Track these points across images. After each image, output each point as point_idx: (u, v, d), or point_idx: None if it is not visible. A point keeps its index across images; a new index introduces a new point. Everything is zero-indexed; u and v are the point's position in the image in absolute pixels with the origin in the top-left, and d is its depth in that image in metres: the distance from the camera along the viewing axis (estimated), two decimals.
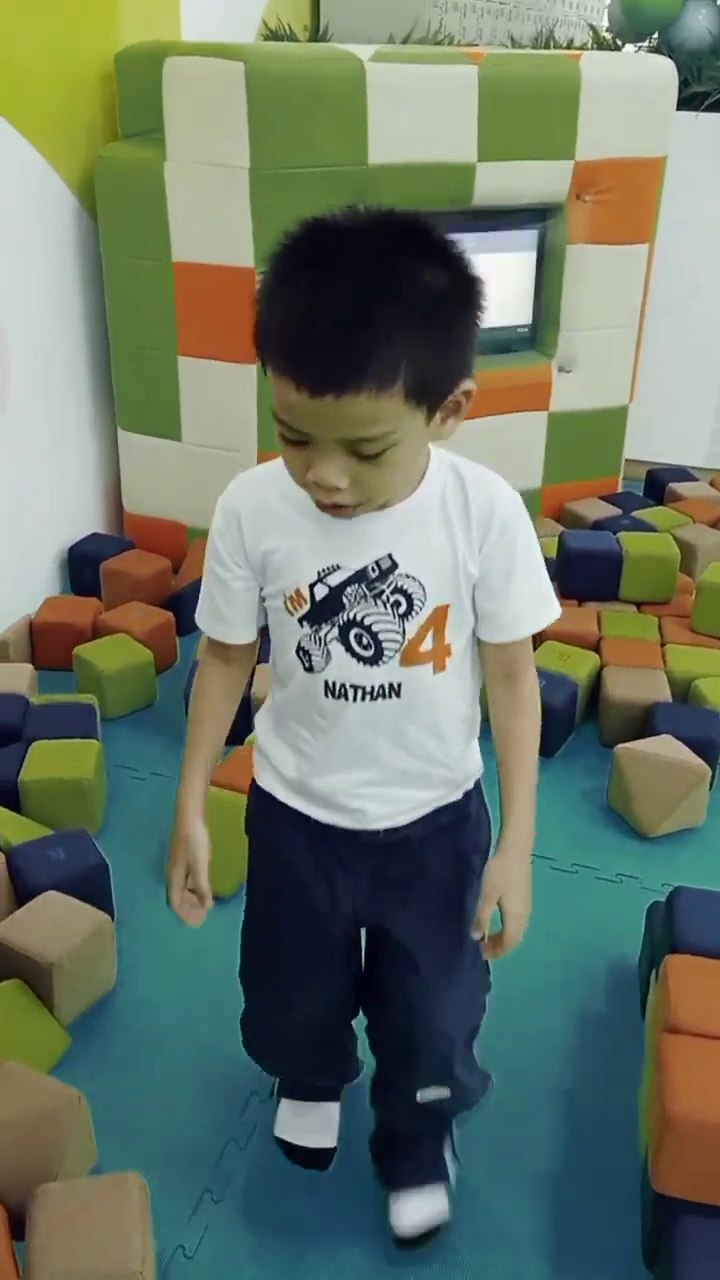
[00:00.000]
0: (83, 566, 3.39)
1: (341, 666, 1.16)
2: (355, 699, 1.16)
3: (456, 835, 1.30)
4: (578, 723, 2.69)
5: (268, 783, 1.31)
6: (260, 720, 1.33)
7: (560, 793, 2.49)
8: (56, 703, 2.53)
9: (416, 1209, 1.46)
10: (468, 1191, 1.53)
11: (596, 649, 2.80)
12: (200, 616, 1.26)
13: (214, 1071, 1.72)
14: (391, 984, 1.37)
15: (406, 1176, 1.48)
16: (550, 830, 2.36)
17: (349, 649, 1.15)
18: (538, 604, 1.18)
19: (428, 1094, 1.39)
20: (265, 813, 1.33)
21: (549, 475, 3.69)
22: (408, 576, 1.12)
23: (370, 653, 1.14)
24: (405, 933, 1.31)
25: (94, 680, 2.72)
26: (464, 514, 1.12)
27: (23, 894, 1.93)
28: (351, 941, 1.39)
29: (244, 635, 1.25)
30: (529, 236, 3.43)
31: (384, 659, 1.15)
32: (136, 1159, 1.53)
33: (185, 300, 3.11)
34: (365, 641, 1.14)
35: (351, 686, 1.16)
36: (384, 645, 1.14)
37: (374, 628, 1.13)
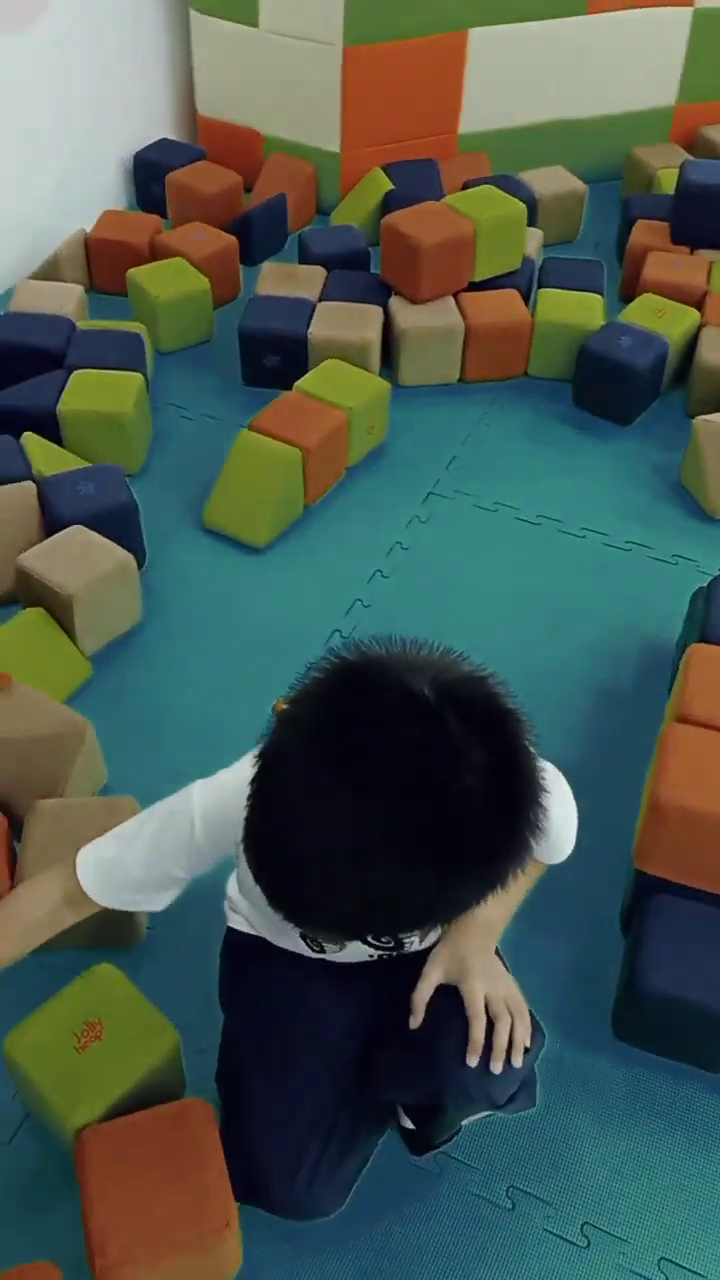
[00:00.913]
0: (149, 178, 3.11)
1: (355, 954, 1.10)
2: (361, 970, 1.13)
3: None
4: (663, 389, 2.45)
5: (240, 925, 1.22)
6: (231, 884, 1.22)
7: (629, 465, 2.31)
8: (104, 330, 2.39)
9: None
10: None
11: (699, 305, 2.49)
12: (99, 887, 1.04)
13: (227, 710, 1.76)
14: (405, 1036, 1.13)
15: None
16: (611, 504, 2.22)
17: (368, 944, 1.07)
18: (567, 834, 1.13)
19: (474, 1116, 1.20)
20: (240, 946, 1.21)
21: (686, 90, 3.17)
22: None
23: (390, 945, 1.08)
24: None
25: (147, 308, 2.55)
26: None
27: (51, 525, 1.91)
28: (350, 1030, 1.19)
29: (128, 907, 1.09)
30: None
31: (403, 950, 1.09)
32: (144, 784, 1.59)
33: None
34: (386, 941, 1.06)
35: (362, 964, 1.12)
36: (405, 943, 1.08)
37: (399, 938, 1.06)
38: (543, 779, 0.81)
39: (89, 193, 2.98)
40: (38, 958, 1.42)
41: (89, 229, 2.81)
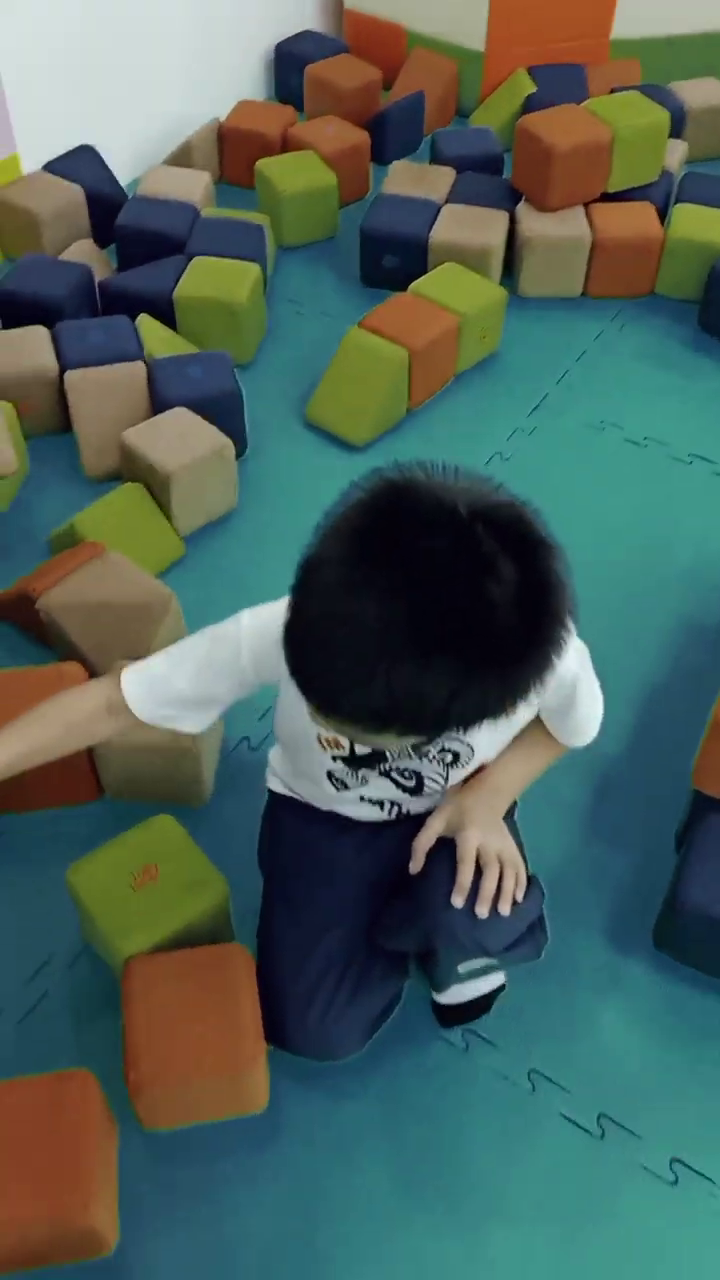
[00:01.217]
0: (289, 70, 3.08)
1: (380, 789, 1.14)
2: (389, 811, 1.18)
3: None
4: None
5: (278, 787, 1.27)
6: (273, 752, 1.27)
7: None
8: (226, 219, 2.40)
9: (461, 989, 1.29)
10: None
11: None
12: (137, 687, 1.08)
13: None
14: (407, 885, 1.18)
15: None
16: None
17: (392, 780, 1.13)
18: (590, 719, 1.16)
19: (471, 965, 1.20)
20: (276, 806, 1.27)
21: None
22: (459, 740, 1.07)
23: (412, 784, 1.13)
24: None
25: (273, 201, 2.55)
26: None
27: (158, 406, 1.95)
28: (373, 884, 1.22)
29: (168, 726, 1.11)
30: None
31: (424, 792, 1.14)
32: None
33: None
34: (408, 775, 1.12)
35: (390, 802, 1.17)
36: (426, 784, 1.13)
37: (420, 772, 1.12)
38: (570, 603, 0.83)
39: (228, 83, 2.97)
40: (110, 806, 1.52)
41: (223, 119, 2.80)
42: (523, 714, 1.07)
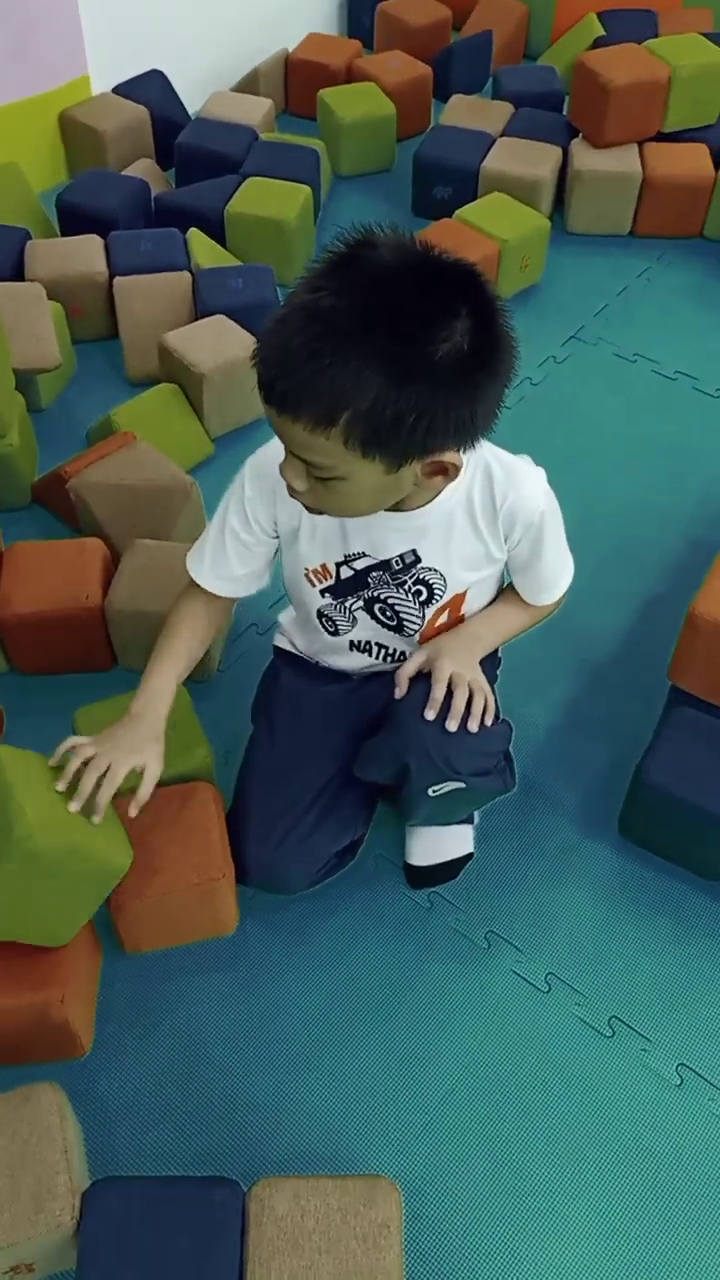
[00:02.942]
0: (361, 8, 3.12)
1: (366, 629, 1.24)
2: (376, 654, 1.28)
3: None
4: None
5: (283, 644, 1.38)
6: (284, 614, 1.38)
7: None
8: (284, 142, 2.47)
9: (434, 847, 1.38)
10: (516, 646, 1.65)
11: None
12: (200, 570, 1.24)
13: None
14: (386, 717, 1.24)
15: (425, 817, 1.33)
16: None
17: (374, 617, 1.22)
18: (558, 576, 1.23)
19: (441, 789, 1.22)
20: (278, 662, 1.38)
21: None
22: (431, 569, 1.16)
23: (393, 624, 1.23)
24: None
25: (332, 129, 2.61)
26: (490, 514, 1.13)
27: (200, 315, 2.04)
28: (352, 727, 1.30)
29: (245, 591, 1.26)
30: None
31: (404, 633, 1.24)
32: None
33: None
34: (389, 615, 1.21)
35: (376, 645, 1.26)
36: (405, 623, 1.22)
37: (396, 608, 1.20)
38: (512, 343, 0.97)
39: (301, 19, 3.02)
40: (124, 676, 1.62)
41: (291, 49, 2.86)
42: (489, 551, 1.15)
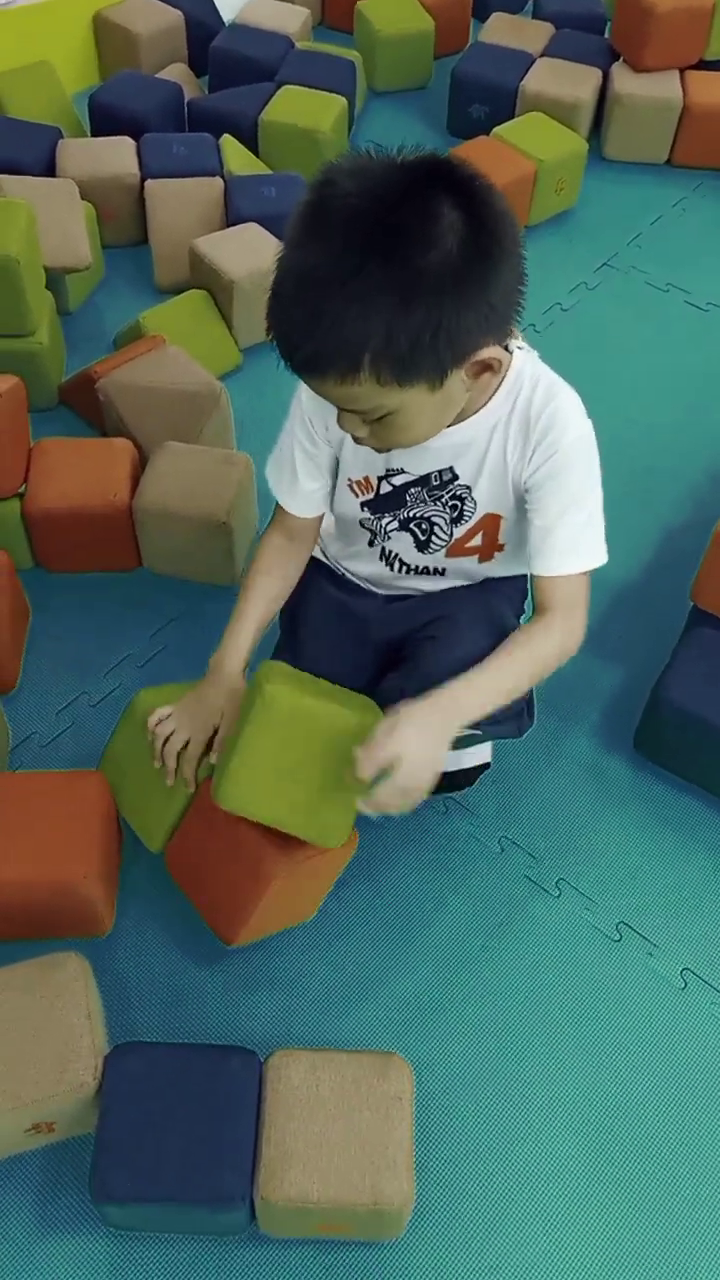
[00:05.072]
0: None
1: (398, 544, 1.24)
2: (403, 571, 1.27)
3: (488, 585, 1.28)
4: None
5: (315, 553, 1.34)
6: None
7: None
8: (320, 52, 2.42)
9: (452, 755, 1.24)
10: None
11: None
12: (280, 491, 1.23)
13: None
14: (408, 651, 1.25)
15: None
16: None
17: (408, 533, 1.21)
18: (579, 537, 1.11)
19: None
20: (311, 564, 1.33)
21: None
22: (465, 486, 1.15)
23: (424, 538, 1.21)
24: (428, 614, 1.25)
25: (369, 43, 2.55)
26: (524, 424, 1.09)
27: (231, 221, 2.02)
28: (375, 649, 1.29)
29: (319, 508, 1.24)
30: None
31: (429, 549, 1.22)
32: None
33: None
34: (424, 529, 1.20)
35: (402, 562, 1.26)
36: (434, 537, 1.21)
37: (431, 519, 1.19)
38: (516, 233, 0.94)
39: None
40: (148, 576, 1.61)
41: None
42: (519, 472, 1.12)
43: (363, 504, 1.21)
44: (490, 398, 1.09)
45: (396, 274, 0.86)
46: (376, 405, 0.96)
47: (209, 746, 1.19)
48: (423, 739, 1.03)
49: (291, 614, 1.35)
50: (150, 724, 1.19)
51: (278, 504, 1.25)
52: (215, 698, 1.19)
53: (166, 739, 1.18)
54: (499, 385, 1.08)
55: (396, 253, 0.86)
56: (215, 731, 1.19)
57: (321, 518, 1.27)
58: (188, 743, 1.18)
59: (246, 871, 1.15)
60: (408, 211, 0.86)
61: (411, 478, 1.17)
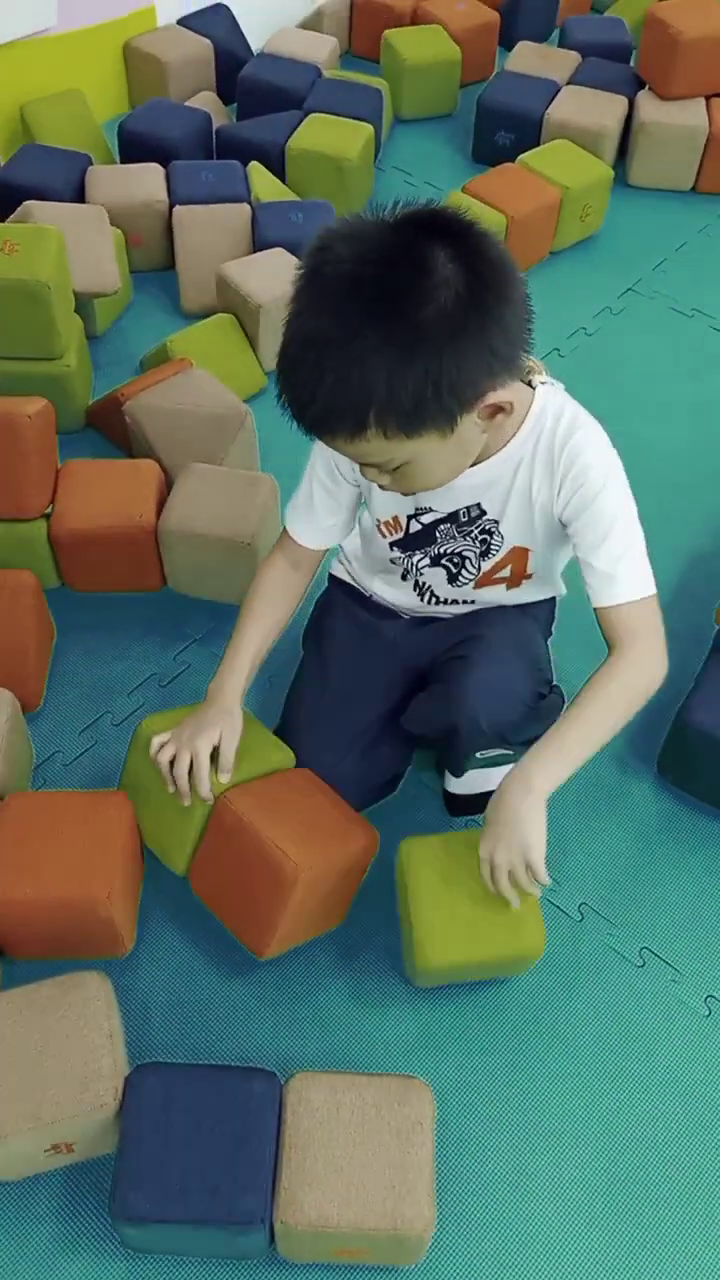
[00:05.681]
0: None
1: (432, 579, 1.26)
2: (433, 603, 1.29)
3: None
4: None
5: (340, 573, 1.40)
6: (348, 540, 1.36)
7: None
8: (347, 80, 2.45)
9: (476, 777, 1.35)
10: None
11: None
12: (295, 522, 1.26)
13: None
14: (438, 673, 1.28)
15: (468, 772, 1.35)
16: None
17: (441, 568, 1.24)
18: (617, 577, 1.11)
19: (489, 753, 1.27)
20: (335, 591, 1.39)
21: None
22: (493, 521, 1.17)
23: (455, 571, 1.24)
24: (457, 635, 1.28)
25: (396, 71, 2.58)
26: (548, 462, 1.10)
27: (258, 247, 2.04)
28: (402, 671, 1.32)
29: (332, 541, 1.27)
30: None
31: (458, 582, 1.24)
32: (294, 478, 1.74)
33: None
34: (455, 562, 1.23)
35: (434, 594, 1.28)
36: (465, 570, 1.23)
37: (463, 553, 1.21)
38: (514, 277, 0.95)
39: None
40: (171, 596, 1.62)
41: None
42: (549, 504, 1.12)
43: (392, 544, 1.23)
44: (513, 435, 1.10)
45: (393, 332, 0.88)
46: (389, 458, 0.98)
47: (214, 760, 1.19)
48: (536, 828, 1.10)
49: (317, 634, 1.36)
50: (152, 754, 1.20)
51: (285, 531, 1.27)
52: (214, 717, 1.20)
53: (172, 762, 1.18)
54: (522, 422, 1.09)
55: (392, 311, 0.88)
56: (217, 748, 1.19)
57: (325, 552, 1.29)
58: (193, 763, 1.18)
59: (268, 880, 1.15)
60: (401, 270, 0.89)
61: (440, 515, 1.18)
